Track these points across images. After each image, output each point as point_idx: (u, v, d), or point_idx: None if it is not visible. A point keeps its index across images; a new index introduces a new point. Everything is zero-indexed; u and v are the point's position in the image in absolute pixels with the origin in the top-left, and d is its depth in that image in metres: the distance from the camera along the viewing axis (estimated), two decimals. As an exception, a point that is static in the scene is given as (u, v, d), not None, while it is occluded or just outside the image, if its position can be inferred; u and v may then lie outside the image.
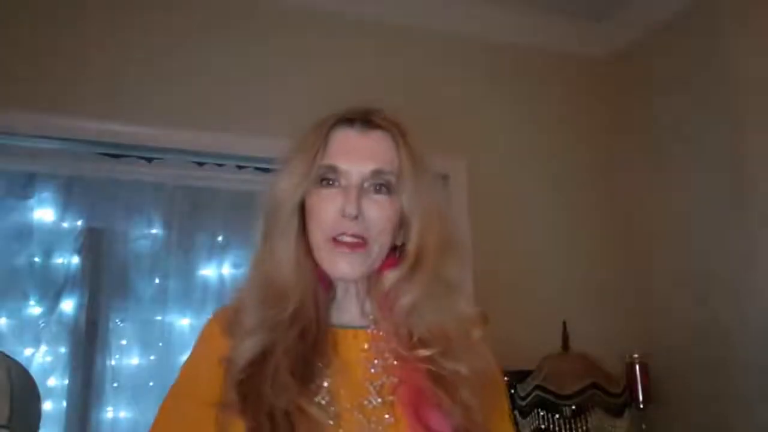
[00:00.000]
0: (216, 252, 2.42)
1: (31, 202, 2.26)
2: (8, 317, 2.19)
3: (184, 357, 2.45)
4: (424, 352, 0.95)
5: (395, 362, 0.97)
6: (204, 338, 1.05)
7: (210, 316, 1.08)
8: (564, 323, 2.44)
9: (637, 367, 2.45)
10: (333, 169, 0.99)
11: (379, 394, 0.94)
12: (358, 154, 1.00)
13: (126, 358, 2.29)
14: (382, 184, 0.99)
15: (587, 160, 2.93)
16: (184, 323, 2.34)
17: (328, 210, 0.98)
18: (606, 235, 2.86)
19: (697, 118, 2.55)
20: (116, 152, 2.35)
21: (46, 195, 2.27)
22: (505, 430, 1.06)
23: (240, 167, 2.47)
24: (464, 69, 2.77)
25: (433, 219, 1.01)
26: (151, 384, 2.27)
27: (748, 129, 2.35)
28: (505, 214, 2.69)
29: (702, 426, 2.41)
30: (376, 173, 0.99)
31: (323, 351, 0.96)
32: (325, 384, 0.93)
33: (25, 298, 2.21)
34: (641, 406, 2.44)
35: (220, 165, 2.46)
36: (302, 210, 1.01)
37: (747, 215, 2.32)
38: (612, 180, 2.93)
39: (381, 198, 0.99)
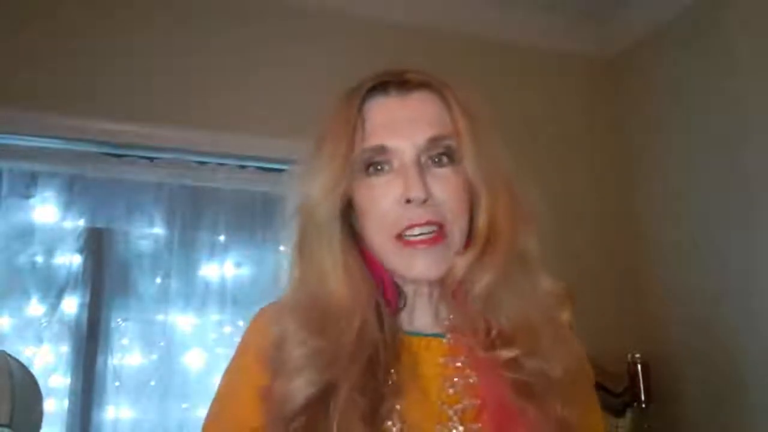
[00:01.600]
0: (218, 251, 2.42)
1: (33, 201, 2.26)
2: (10, 316, 2.19)
3: (186, 356, 2.45)
4: (506, 354, 0.77)
5: (476, 379, 0.79)
6: (241, 355, 0.88)
7: (250, 323, 0.90)
8: (566, 323, 2.44)
9: (639, 366, 2.45)
10: (380, 149, 0.80)
11: (460, 421, 0.77)
12: (405, 124, 0.81)
13: (128, 357, 2.29)
14: (442, 153, 0.81)
15: (587, 160, 2.92)
16: (186, 322, 2.34)
17: (386, 201, 0.80)
18: (607, 235, 2.85)
19: (698, 117, 2.54)
20: (118, 152, 2.35)
21: (48, 194, 2.27)
22: None
23: (242, 167, 2.47)
24: (463, 68, 2.76)
25: (501, 185, 0.83)
26: (152, 383, 2.27)
27: (750, 128, 2.34)
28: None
29: (704, 425, 2.41)
30: (434, 141, 0.80)
31: (392, 368, 0.79)
32: (397, 407, 0.77)
33: (27, 297, 2.21)
34: (643, 405, 2.43)
35: (221, 164, 2.46)
36: (345, 209, 0.83)
37: (749, 215, 2.31)
38: (612, 180, 2.92)
39: (446, 171, 0.81)
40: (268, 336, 0.82)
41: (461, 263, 0.81)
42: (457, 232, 0.81)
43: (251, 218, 2.43)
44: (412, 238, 0.79)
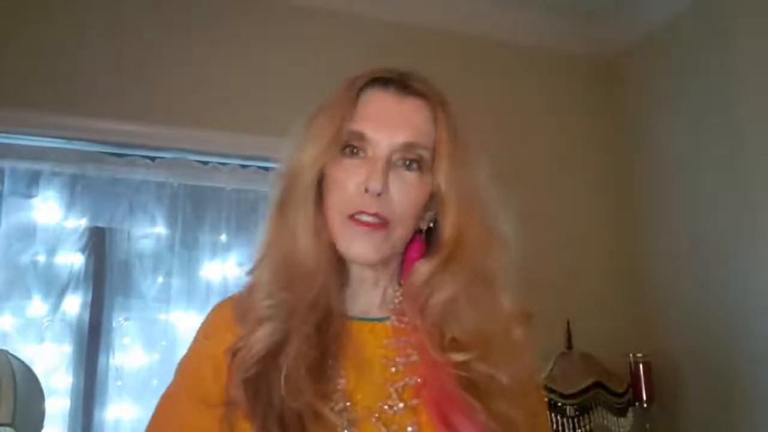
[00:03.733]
0: (219, 251, 2.42)
1: (35, 200, 2.26)
2: (12, 316, 2.19)
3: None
4: (458, 357, 0.82)
5: (418, 359, 0.85)
6: (205, 332, 0.93)
7: (211, 309, 0.97)
8: (567, 322, 2.44)
9: (641, 365, 2.45)
10: (359, 135, 0.86)
11: (400, 398, 0.82)
12: (390, 121, 0.86)
13: (129, 356, 2.29)
14: (413, 159, 0.86)
15: (586, 159, 2.92)
16: (188, 322, 2.33)
17: (350, 183, 0.85)
18: (609, 234, 2.85)
19: (697, 116, 2.54)
20: (120, 151, 2.36)
21: (50, 193, 2.27)
22: None
23: (243, 166, 2.47)
24: (462, 67, 2.76)
25: (474, 204, 0.88)
26: (154, 383, 2.26)
27: (748, 128, 2.34)
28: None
29: (705, 424, 2.41)
30: (409, 146, 0.86)
31: (337, 347, 0.84)
32: (339, 386, 0.82)
33: (29, 296, 2.21)
34: (645, 404, 2.44)
35: (223, 164, 2.46)
36: (321, 181, 0.88)
37: (749, 214, 2.31)
38: (613, 179, 2.92)
39: (411, 176, 0.86)
40: (239, 296, 0.90)
41: (423, 269, 0.87)
42: (398, 233, 0.86)
43: (253, 218, 2.43)
44: (360, 219, 0.85)
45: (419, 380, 0.83)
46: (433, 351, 0.83)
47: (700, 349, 2.45)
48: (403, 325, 0.88)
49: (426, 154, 0.87)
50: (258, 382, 0.79)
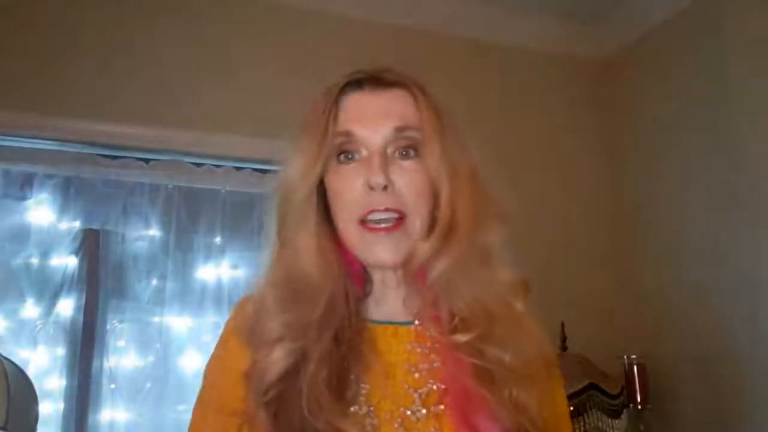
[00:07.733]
0: (214, 253, 2.41)
1: (29, 202, 2.26)
2: (5, 318, 2.19)
3: (182, 358, 2.44)
4: (462, 337, 0.82)
5: (441, 364, 0.84)
6: (222, 344, 0.93)
7: (231, 312, 0.96)
8: (562, 324, 2.45)
9: (635, 367, 2.46)
10: (349, 136, 0.86)
11: (423, 404, 0.82)
12: (374, 115, 0.87)
13: (123, 359, 2.29)
14: (408, 145, 0.86)
15: (586, 161, 2.93)
16: (182, 324, 2.33)
17: (353, 187, 0.85)
18: (604, 236, 2.86)
19: (695, 118, 2.55)
20: (114, 153, 2.35)
21: (43, 196, 2.27)
22: (563, 425, 0.94)
23: (238, 168, 2.47)
24: (460, 70, 2.77)
25: (465, 179, 0.87)
26: (148, 385, 2.26)
27: (747, 129, 2.35)
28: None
29: (700, 427, 2.42)
30: (399, 131, 0.86)
31: (359, 352, 0.84)
32: (363, 391, 0.82)
33: (23, 299, 2.20)
34: (639, 406, 2.44)
35: (217, 166, 2.46)
36: (320, 191, 0.88)
37: (746, 215, 2.32)
38: (610, 181, 2.93)
39: (410, 163, 0.86)
40: (246, 318, 0.88)
41: (422, 249, 0.85)
42: (417, 221, 0.85)
43: (247, 220, 2.43)
44: (373, 225, 0.84)
45: (443, 387, 0.83)
46: (441, 334, 0.83)
47: (695, 351, 2.46)
48: (426, 330, 0.87)
49: (417, 136, 0.87)
50: (278, 403, 0.79)
